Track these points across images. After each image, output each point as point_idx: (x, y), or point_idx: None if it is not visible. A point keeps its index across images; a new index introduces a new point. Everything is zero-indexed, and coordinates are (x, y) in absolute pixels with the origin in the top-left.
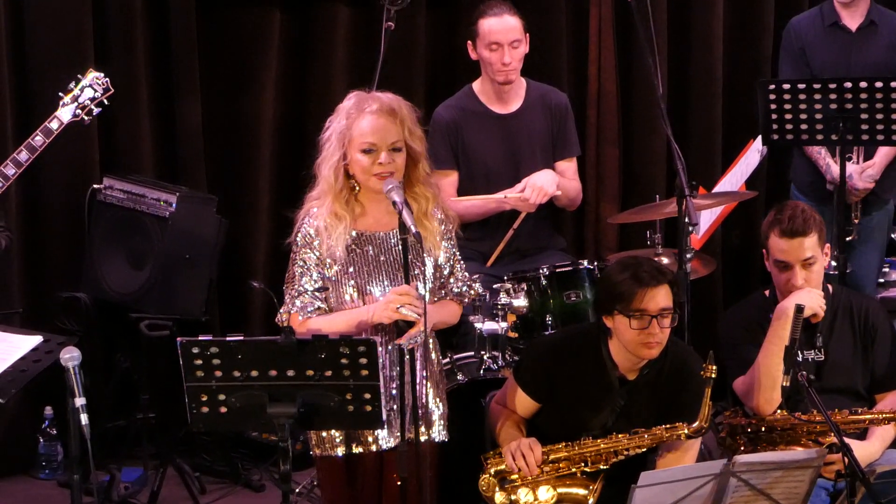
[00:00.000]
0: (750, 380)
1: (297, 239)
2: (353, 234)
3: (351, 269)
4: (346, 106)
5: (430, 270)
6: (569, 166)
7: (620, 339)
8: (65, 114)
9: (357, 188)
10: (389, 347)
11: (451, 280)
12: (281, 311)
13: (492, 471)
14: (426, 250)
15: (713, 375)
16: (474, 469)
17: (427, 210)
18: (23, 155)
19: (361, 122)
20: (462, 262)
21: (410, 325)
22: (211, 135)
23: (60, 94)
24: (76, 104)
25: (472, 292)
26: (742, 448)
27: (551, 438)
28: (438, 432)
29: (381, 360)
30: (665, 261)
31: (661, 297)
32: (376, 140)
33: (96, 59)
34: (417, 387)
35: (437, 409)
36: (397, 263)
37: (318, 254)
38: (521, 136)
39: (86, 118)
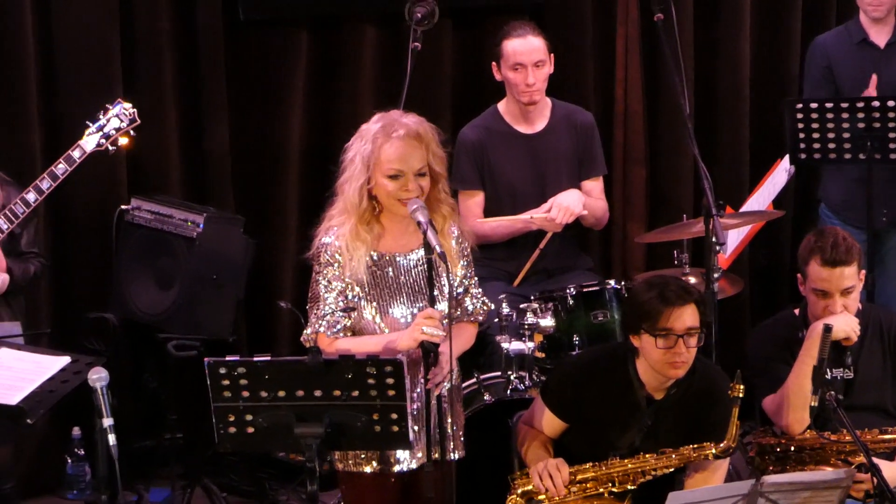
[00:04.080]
0: (780, 398)
1: (320, 258)
2: (374, 255)
3: (372, 291)
4: (371, 129)
5: (447, 289)
6: (595, 186)
7: (647, 358)
8: (89, 143)
9: (378, 209)
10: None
11: (466, 298)
12: (307, 331)
13: (519, 491)
14: (447, 266)
15: (741, 395)
16: (501, 489)
17: (444, 229)
18: (45, 183)
19: (388, 148)
20: (476, 279)
21: (435, 346)
22: (238, 155)
23: (88, 122)
24: (101, 133)
25: (486, 309)
26: (770, 468)
27: (578, 458)
28: (456, 451)
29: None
30: (692, 280)
31: (687, 317)
32: (403, 167)
33: (124, 81)
34: (432, 407)
35: (453, 427)
36: (417, 285)
37: (340, 272)
38: (547, 156)
39: (110, 148)
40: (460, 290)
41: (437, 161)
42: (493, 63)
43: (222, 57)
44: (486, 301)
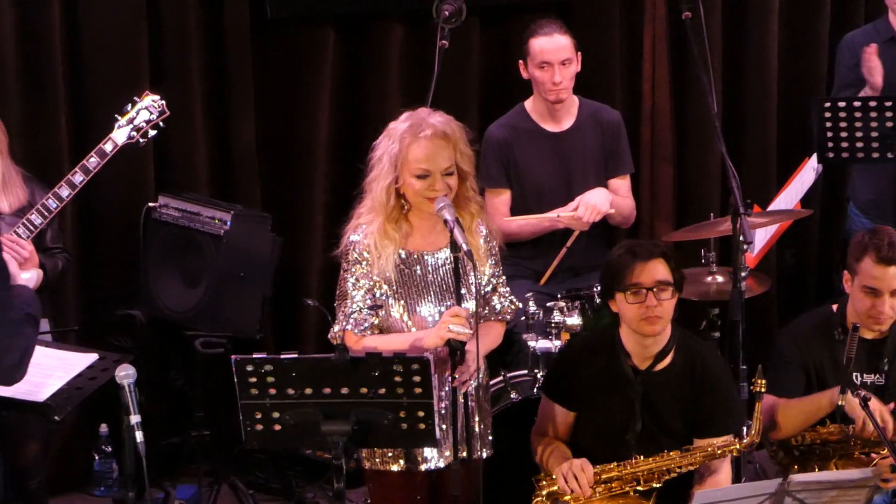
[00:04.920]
0: (776, 406)
1: (348, 256)
2: (402, 254)
3: (399, 289)
4: (399, 129)
5: (474, 287)
6: (622, 184)
7: (624, 320)
8: (120, 136)
9: (407, 207)
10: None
11: (494, 297)
12: (334, 328)
13: (544, 493)
14: (473, 264)
15: (763, 390)
16: (528, 488)
17: (471, 226)
18: (77, 177)
19: (415, 148)
20: (504, 278)
21: (462, 344)
22: (265, 153)
23: (116, 115)
24: (131, 126)
25: (513, 308)
26: (796, 468)
27: (595, 457)
28: (484, 449)
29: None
30: (720, 279)
31: (656, 270)
32: (431, 167)
33: (151, 79)
34: (459, 406)
35: (481, 426)
36: (445, 283)
37: (368, 270)
38: (574, 154)
39: (141, 140)
40: (488, 288)
41: (465, 159)
42: (520, 61)
43: (249, 55)
44: (514, 300)
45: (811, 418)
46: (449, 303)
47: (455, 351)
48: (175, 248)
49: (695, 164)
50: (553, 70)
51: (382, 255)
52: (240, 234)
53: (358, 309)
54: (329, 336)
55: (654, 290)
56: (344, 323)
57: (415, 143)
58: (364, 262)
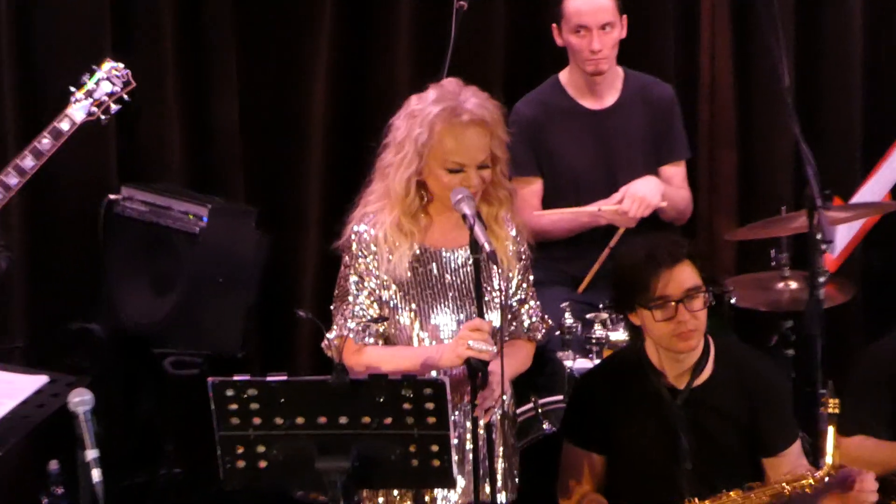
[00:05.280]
0: (858, 451)
1: (352, 248)
2: (417, 250)
3: (411, 290)
4: (428, 111)
5: (499, 296)
6: (676, 172)
7: (652, 336)
8: (77, 112)
9: (427, 199)
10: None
11: (523, 310)
12: (329, 335)
13: None
14: (498, 267)
15: (836, 410)
16: None
17: (498, 215)
18: (27, 161)
19: (449, 139)
20: (534, 288)
21: (484, 364)
22: (250, 135)
23: (73, 88)
24: (91, 100)
25: (545, 327)
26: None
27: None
28: (506, 491)
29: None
30: (793, 286)
31: (684, 277)
32: (466, 160)
33: (114, 48)
34: (480, 438)
35: (505, 464)
36: (465, 287)
37: (376, 266)
38: (618, 136)
39: (102, 117)
40: (515, 299)
41: (500, 145)
42: (553, 25)
43: (231, 18)
44: (546, 318)
45: None
46: (468, 312)
47: (476, 372)
48: (141, 248)
49: (762, 149)
50: (591, 36)
51: (395, 251)
52: (219, 232)
53: (360, 313)
54: (323, 345)
55: (685, 301)
56: (343, 329)
57: (449, 131)
58: (371, 257)
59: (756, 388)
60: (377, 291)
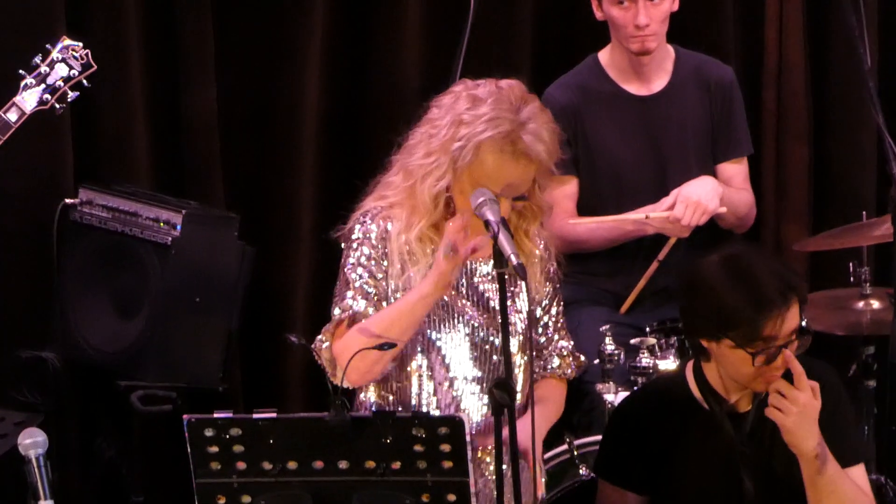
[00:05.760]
0: None
1: (358, 236)
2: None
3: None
4: (480, 131)
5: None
6: (737, 171)
7: (727, 369)
8: (28, 100)
9: (452, 208)
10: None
11: (550, 346)
12: (319, 336)
13: None
14: (526, 287)
15: None
16: None
17: (528, 229)
18: None
19: (491, 160)
20: (568, 310)
21: (510, 397)
22: (230, 130)
23: (22, 72)
24: (44, 86)
25: (577, 365)
26: None
27: None
28: None
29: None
30: (876, 305)
31: (792, 319)
32: (503, 192)
33: (69, 26)
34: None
35: None
36: (482, 305)
37: (386, 259)
38: (669, 128)
39: (58, 105)
40: (542, 330)
41: (546, 174)
42: None
43: None
44: (578, 355)
45: None
46: (486, 333)
47: (501, 408)
48: (103, 262)
49: (840, 143)
50: (636, 7)
51: (419, 261)
52: (195, 243)
53: (360, 288)
54: (313, 346)
55: (787, 345)
56: (337, 319)
57: (495, 157)
58: (382, 252)
59: (825, 405)
60: (381, 285)
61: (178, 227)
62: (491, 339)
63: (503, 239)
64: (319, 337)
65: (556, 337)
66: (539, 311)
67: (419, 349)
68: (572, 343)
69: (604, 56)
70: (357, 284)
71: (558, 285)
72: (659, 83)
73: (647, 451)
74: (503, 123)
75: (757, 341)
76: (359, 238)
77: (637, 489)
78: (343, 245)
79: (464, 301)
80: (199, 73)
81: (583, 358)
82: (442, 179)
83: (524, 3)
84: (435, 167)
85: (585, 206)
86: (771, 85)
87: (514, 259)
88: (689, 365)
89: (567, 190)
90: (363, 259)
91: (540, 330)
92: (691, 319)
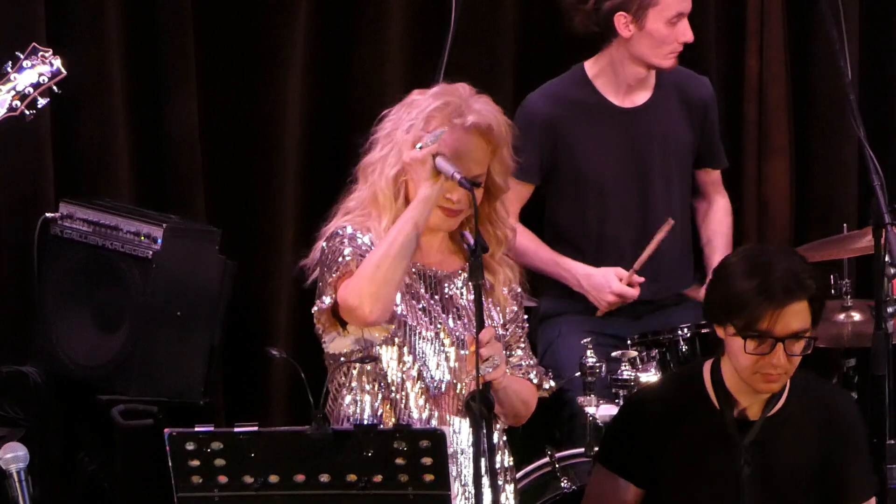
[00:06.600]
0: None
1: (332, 245)
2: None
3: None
4: (427, 104)
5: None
6: (716, 177)
7: (732, 361)
8: None
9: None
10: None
11: (510, 358)
12: (316, 303)
13: None
14: (494, 302)
15: None
16: None
17: (495, 255)
18: None
19: (444, 137)
20: (526, 344)
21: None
22: (212, 144)
23: None
24: (13, 93)
25: (549, 387)
26: None
27: None
28: None
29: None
30: (857, 318)
31: (794, 318)
32: (461, 168)
33: (49, 36)
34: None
35: None
36: (459, 313)
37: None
38: (651, 140)
39: (27, 112)
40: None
41: (502, 171)
42: (621, 13)
43: (189, 4)
44: (546, 376)
45: None
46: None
47: (479, 419)
48: (84, 276)
49: (821, 156)
50: (686, 24)
51: None
52: (176, 257)
53: (353, 259)
54: (314, 310)
55: (786, 341)
56: (325, 295)
57: (443, 123)
58: (360, 250)
59: (836, 429)
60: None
61: (159, 240)
62: (465, 336)
63: (441, 161)
64: (318, 301)
65: (518, 352)
66: (500, 330)
67: (395, 357)
68: (535, 360)
69: (591, 68)
70: (349, 258)
71: (521, 305)
72: (642, 96)
73: (651, 445)
74: (453, 97)
75: (754, 331)
76: (338, 242)
77: (635, 480)
78: (319, 266)
79: (442, 309)
80: (180, 86)
81: (552, 381)
82: (398, 163)
83: (506, 16)
84: (389, 152)
85: (572, 211)
86: (752, 98)
87: (456, 176)
88: (708, 363)
89: (520, 192)
90: (348, 250)
91: (513, 349)
92: (709, 303)
